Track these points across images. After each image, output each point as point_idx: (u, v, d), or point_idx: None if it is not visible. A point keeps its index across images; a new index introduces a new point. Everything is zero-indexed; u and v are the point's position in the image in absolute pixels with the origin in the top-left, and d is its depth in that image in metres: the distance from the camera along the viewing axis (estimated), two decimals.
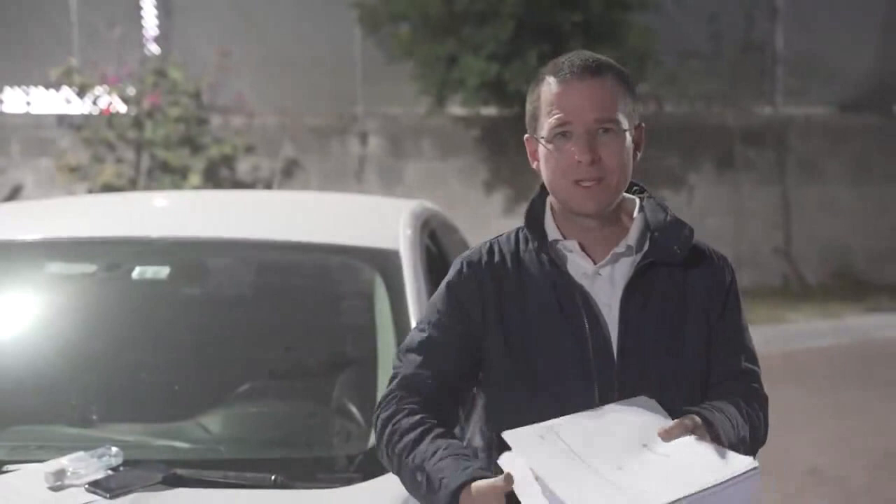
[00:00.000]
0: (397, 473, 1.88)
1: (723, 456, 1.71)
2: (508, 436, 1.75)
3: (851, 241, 10.74)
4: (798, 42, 10.88)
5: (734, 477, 1.66)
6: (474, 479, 1.74)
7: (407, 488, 1.88)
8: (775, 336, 8.38)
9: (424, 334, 1.93)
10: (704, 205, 10.55)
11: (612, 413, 1.79)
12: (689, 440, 1.74)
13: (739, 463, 1.69)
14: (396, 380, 1.93)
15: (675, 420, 1.78)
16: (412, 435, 1.84)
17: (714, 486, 1.64)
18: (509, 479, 1.71)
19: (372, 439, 2.47)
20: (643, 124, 1.96)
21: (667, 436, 1.74)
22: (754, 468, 1.68)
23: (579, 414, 1.79)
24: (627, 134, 1.90)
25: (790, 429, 5.83)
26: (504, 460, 1.75)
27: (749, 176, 10.68)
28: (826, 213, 10.74)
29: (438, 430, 1.84)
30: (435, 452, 1.80)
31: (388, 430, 1.88)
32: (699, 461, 1.69)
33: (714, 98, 10.72)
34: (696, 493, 1.63)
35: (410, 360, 1.91)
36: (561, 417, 1.78)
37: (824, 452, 5.70)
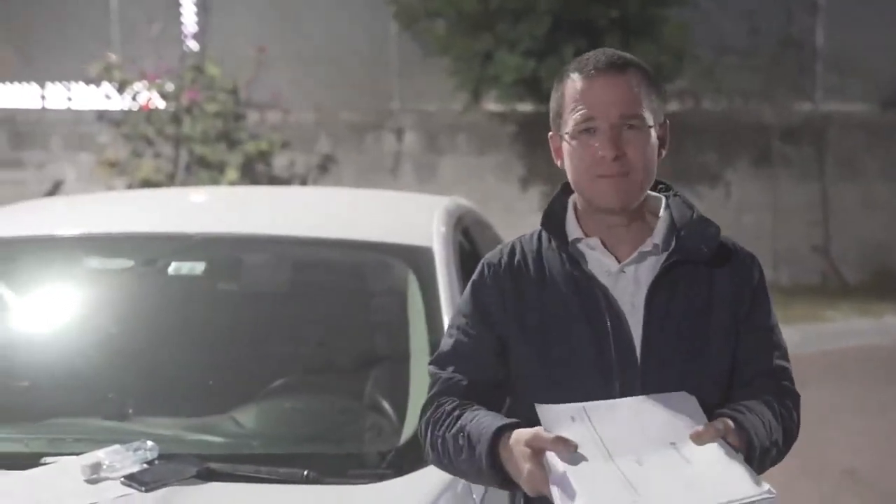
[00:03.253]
0: (443, 456, 1.88)
1: (743, 475, 1.68)
2: (541, 409, 1.76)
3: (891, 239, 10.62)
4: (838, 38, 10.77)
5: (748, 500, 1.64)
6: (516, 427, 1.76)
7: (454, 466, 1.88)
8: (813, 335, 8.30)
9: (453, 340, 1.94)
10: (741, 202, 10.48)
11: (649, 404, 1.77)
12: (717, 449, 1.72)
13: (757, 487, 1.66)
14: (434, 388, 1.94)
15: (707, 423, 1.76)
16: (454, 413, 1.87)
17: None
18: (559, 442, 1.69)
19: (404, 435, 2.50)
20: (668, 122, 1.95)
21: (697, 438, 1.73)
22: (771, 495, 1.65)
23: (618, 400, 1.78)
24: (652, 131, 1.89)
25: (827, 429, 5.77)
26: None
27: (787, 173, 10.59)
28: (865, 211, 10.63)
29: (479, 406, 1.88)
30: (476, 416, 1.84)
31: (431, 422, 1.90)
32: (719, 476, 1.67)
33: (752, 94, 10.63)
34: None
35: (444, 370, 1.93)
36: (598, 401, 1.77)
37: (861, 453, 5.64)
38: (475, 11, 9.61)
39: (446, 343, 1.95)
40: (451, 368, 1.91)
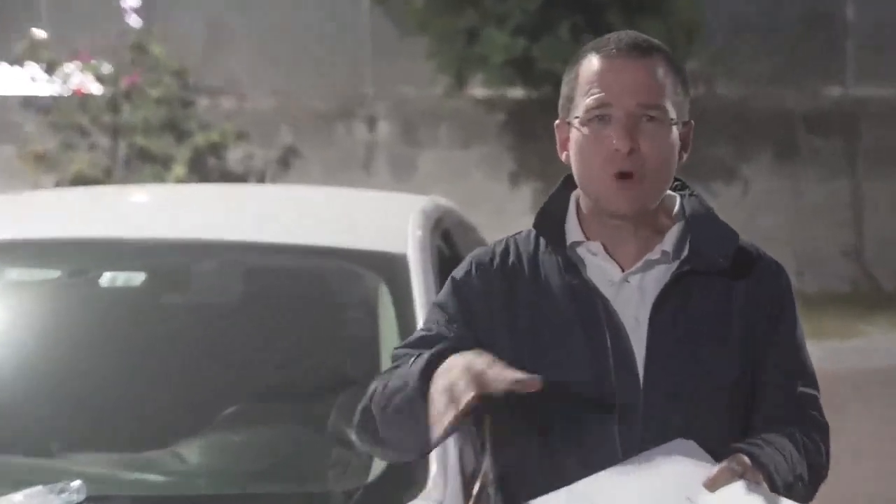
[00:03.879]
0: (383, 422, 1.87)
1: None
2: None
3: None
4: (872, 11, 10.83)
5: None
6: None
7: (385, 418, 1.86)
8: (844, 352, 8.34)
9: (430, 332, 1.92)
10: (761, 200, 10.52)
11: (648, 465, 1.76)
12: (739, 489, 1.71)
13: None
14: (388, 373, 1.91)
15: (721, 464, 1.75)
16: (400, 378, 1.85)
17: None
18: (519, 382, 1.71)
19: (373, 472, 2.49)
20: (693, 122, 1.94)
21: (713, 484, 1.73)
22: None
23: (612, 470, 1.77)
24: (675, 127, 1.89)
25: (860, 458, 5.78)
26: None
27: (813, 167, 10.64)
28: None
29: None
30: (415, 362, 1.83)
31: (376, 396, 1.88)
32: None
33: (772, 78, 10.69)
34: None
35: (412, 352, 1.89)
36: (591, 477, 1.76)
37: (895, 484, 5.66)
38: None
39: (419, 333, 1.95)
40: (413, 350, 1.89)
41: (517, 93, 10.13)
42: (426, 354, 1.81)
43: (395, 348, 1.97)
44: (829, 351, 7.87)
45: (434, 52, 9.96)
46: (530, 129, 10.17)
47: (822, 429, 1.94)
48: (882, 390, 7.58)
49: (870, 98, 10.76)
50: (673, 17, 9.55)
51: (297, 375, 2.92)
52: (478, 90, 10.27)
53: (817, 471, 1.90)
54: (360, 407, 1.92)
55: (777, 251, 2.04)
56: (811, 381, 1.95)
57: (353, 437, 1.95)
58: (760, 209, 10.42)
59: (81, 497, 2.33)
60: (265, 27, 10.61)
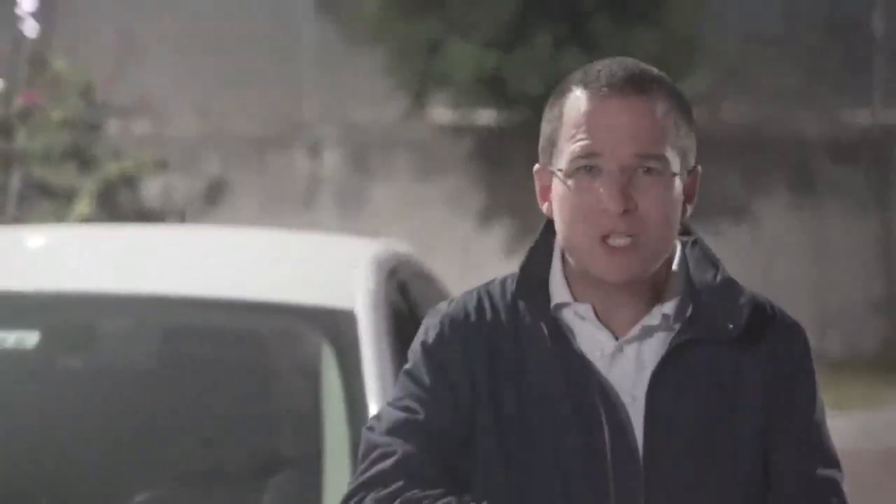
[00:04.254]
0: None
1: None
2: None
3: None
4: None
5: None
6: None
7: None
8: (872, 424, 8.37)
9: (416, 416, 1.91)
10: (776, 243, 10.61)
11: None
12: None
13: None
14: (389, 461, 1.89)
15: None
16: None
17: None
18: None
19: None
20: (699, 168, 1.96)
21: None
22: None
23: None
24: (677, 179, 1.90)
25: None
26: None
27: (837, 204, 10.73)
28: None
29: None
30: None
31: None
32: None
33: (788, 98, 10.80)
34: None
35: (401, 446, 1.89)
36: None
37: None
38: None
39: (401, 415, 1.92)
40: (414, 447, 1.89)
41: (487, 116, 10.18)
42: None
43: (367, 428, 1.94)
44: (855, 423, 7.92)
45: (390, 68, 10.01)
46: (502, 158, 10.22)
47: None
48: None
49: None
50: (670, 24, 9.63)
51: (225, 453, 2.94)
52: (441, 113, 10.32)
53: None
54: None
55: (795, 305, 2.07)
56: (832, 462, 1.96)
57: None
58: (775, 253, 10.50)
59: None
60: (189, 38, 10.63)
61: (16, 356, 3.06)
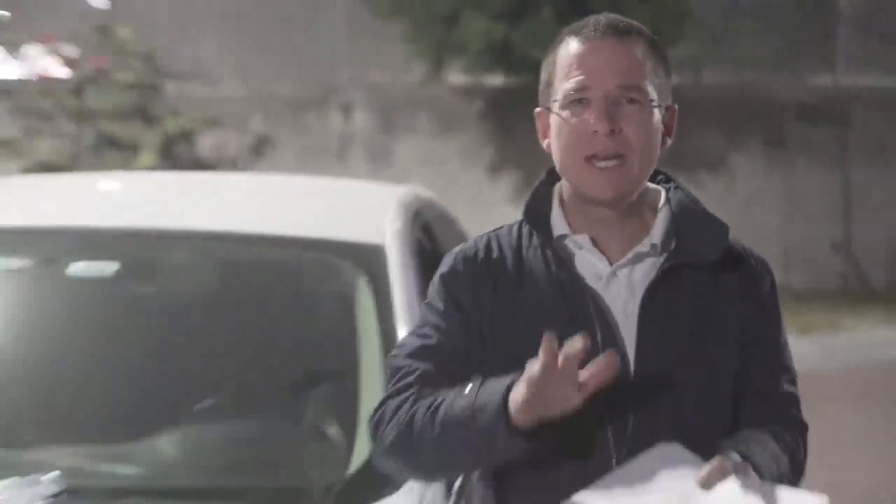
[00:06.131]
0: (421, 433, 1.88)
1: (787, 496, 1.76)
2: None
3: None
4: None
5: None
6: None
7: (445, 455, 1.88)
8: (833, 347, 8.37)
9: (431, 341, 1.95)
10: (750, 193, 10.58)
11: (638, 471, 1.81)
12: (734, 484, 1.78)
13: (808, 500, 1.74)
14: (409, 378, 1.93)
15: (712, 462, 1.81)
16: (447, 398, 1.87)
17: None
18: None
19: (352, 465, 2.53)
20: (677, 107, 1.99)
21: (707, 481, 1.78)
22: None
23: (604, 480, 1.82)
24: (657, 110, 1.93)
25: (848, 454, 5.84)
26: None
27: (804, 158, 10.69)
28: (894, 203, 10.76)
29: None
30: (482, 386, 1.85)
31: (394, 409, 1.90)
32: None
33: (763, 65, 10.73)
34: None
35: (419, 364, 1.94)
36: (586, 490, 1.80)
37: (885, 477, 5.72)
38: None
39: (419, 341, 1.96)
40: (431, 366, 1.93)
41: (497, 80, 10.14)
42: (496, 386, 1.82)
43: (392, 356, 1.99)
44: (817, 346, 7.95)
45: (411, 38, 9.96)
46: (510, 117, 10.19)
47: (803, 429, 2.00)
48: (870, 386, 7.63)
49: (862, 87, 10.81)
50: (663, 1, 9.56)
51: (273, 368, 2.94)
52: (456, 77, 10.28)
53: (797, 469, 1.96)
54: (388, 430, 1.92)
55: (767, 245, 2.11)
56: (792, 380, 2.01)
57: (381, 458, 1.95)
58: (750, 201, 10.47)
59: (57, 489, 2.37)
60: (236, 12, 10.59)
61: (96, 282, 3.08)
